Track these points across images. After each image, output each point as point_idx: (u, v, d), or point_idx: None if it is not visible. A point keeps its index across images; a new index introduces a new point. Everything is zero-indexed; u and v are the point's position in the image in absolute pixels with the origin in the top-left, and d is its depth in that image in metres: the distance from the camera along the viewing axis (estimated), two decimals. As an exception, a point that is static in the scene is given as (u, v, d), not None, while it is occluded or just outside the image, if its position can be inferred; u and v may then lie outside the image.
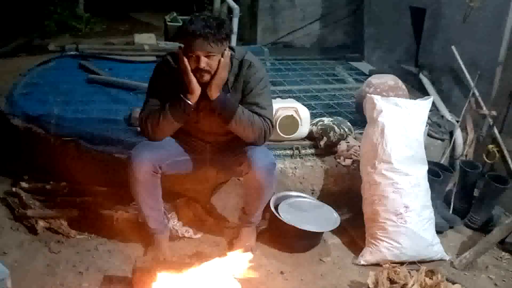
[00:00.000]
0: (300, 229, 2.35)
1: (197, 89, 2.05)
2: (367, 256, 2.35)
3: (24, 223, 2.48)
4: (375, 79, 3.12)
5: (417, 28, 4.34)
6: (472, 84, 3.20)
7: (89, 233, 2.47)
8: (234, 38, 4.48)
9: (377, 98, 2.40)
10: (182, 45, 2.05)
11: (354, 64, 5.24)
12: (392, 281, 1.98)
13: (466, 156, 3.20)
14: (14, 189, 2.66)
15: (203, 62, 1.98)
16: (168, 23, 6.02)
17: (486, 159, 3.04)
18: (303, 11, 5.63)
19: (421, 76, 3.98)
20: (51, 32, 5.92)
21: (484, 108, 3.15)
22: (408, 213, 2.31)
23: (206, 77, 2.03)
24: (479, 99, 3.19)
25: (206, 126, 2.24)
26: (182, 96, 2.06)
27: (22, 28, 5.54)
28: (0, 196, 2.68)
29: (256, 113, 2.12)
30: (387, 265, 2.10)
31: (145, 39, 5.37)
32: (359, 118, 3.12)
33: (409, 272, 2.05)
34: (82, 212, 2.53)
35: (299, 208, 2.50)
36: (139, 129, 2.73)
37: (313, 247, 2.47)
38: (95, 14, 6.64)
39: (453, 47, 3.44)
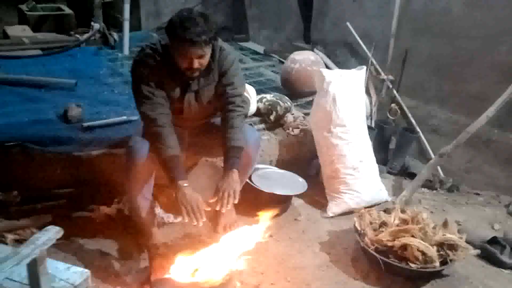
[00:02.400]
0: (278, 194, 2.60)
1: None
2: (334, 208, 2.72)
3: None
4: (297, 56, 3.47)
5: (304, 7, 4.83)
6: (369, 54, 3.77)
7: (67, 237, 2.35)
8: (126, 24, 4.41)
9: (325, 71, 2.75)
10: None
11: (243, 44, 5.53)
12: (371, 222, 2.37)
13: (371, 116, 3.77)
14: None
15: (196, 63, 2.01)
16: (28, 13, 5.57)
17: (389, 116, 3.63)
18: (184, -6, 5.67)
19: (316, 51, 4.45)
20: None
21: (382, 74, 3.74)
22: (362, 166, 2.73)
23: (197, 73, 2.09)
24: (377, 66, 3.78)
25: (188, 115, 2.31)
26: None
27: None
28: None
29: (227, 93, 2.21)
30: (362, 211, 2.47)
31: (19, 31, 4.89)
32: (285, 92, 3.44)
33: (378, 213, 2.46)
34: (55, 217, 2.38)
35: (269, 178, 2.73)
36: (82, 125, 2.70)
37: (286, 210, 2.74)
38: None
39: (348, 23, 3.96)
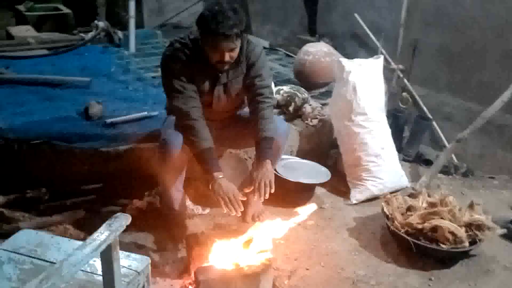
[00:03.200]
0: (304, 183, 2.65)
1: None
2: (357, 195, 2.78)
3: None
4: (310, 48, 3.52)
5: (309, 1, 4.88)
6: (379, 45, 3.82)
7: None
8: (132, 22, 4.44)
9: (344, 61, 2.79)
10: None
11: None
12: (398, 207, 2.42)
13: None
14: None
15: (228, 56, 2.04)
16: (27, 13, 5.58)
17: (401, 105, 3.69)
18: (186, -9, 5.70)
19: (323, 43, 4.49)
20: None
21: (393, 63, 3.80)
22: (384, 153, 2.79)
23: (227, 66, 2.12)
24: (387, 57, 3.83)
25: (217, 108, 2.34)
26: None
27: None
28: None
29: (256, 84, 2.24)
30: (388, 196, 2.52)
31: (24, 31, 4.89)
32: (298, 84, 3.49)
33: (404, 198, 2.51)
34: (88, 212, 2.41)
35: (293, 167, 2.78)
36: (106, 121, 2.75)
37: (310, 199, 2.79)
38: None
39: (356, 15, 4.02)
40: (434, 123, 3.56)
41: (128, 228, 2.34)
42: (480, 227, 2.25)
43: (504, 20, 3.16)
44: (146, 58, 4.31)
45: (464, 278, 2.20)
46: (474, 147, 3.40)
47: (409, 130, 3.55)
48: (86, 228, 2.35)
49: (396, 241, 2.37)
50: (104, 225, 1.19)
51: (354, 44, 4.23)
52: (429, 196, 2.42)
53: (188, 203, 2.57)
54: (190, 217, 2.52)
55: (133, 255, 1.49)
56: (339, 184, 2.91)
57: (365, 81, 2.78)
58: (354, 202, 2.77)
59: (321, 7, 4.59)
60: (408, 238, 2.21)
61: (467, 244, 2.19)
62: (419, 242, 2.21)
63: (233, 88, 2.27)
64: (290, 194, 2.70)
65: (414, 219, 2.27)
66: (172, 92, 2.15)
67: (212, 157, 2.11)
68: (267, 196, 2.12)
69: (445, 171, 3.28)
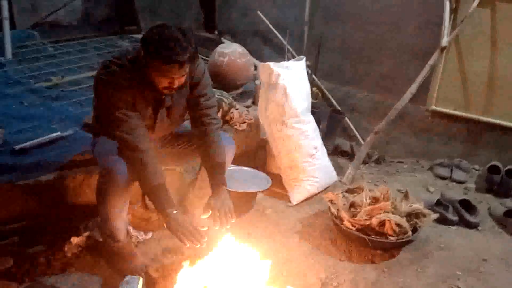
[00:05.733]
0: (247, 192, 2.61)
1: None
2: (297, 196, 2.83)
3: None
4: (225, 49, 3.44)
5: (204, -2, 4.77)
6: (285, 42, 3.90)
7: (33, 279, 2.07)
8: (7, 24, 3.92)
9: (272, 65, 2.77)
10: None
11: (137, 36, 5.28)
12: (344, 205, 2.52)
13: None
14: None
15: (177, 82, 1.88)
16: None
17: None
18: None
19: (225, 40, 4.44)
20: None
21: (299, 60, 3.90)
22: (317, 152, 2.87)
23: (174, 91, 1.96)
24: (294, 53, 3.93)
25: (159, 131, 2.17)
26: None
27: None
28: None
29: (202, 105, 2.12)
30: (331, 195, 2.60)
31: None
32: (214, 86, 3.40)
33: (343, 195, 2.62)
34: (15, 258, 2.07)
35: (232, 176, 2.70)
36: (14, 148, 2.42)
37: (253, 206, 2.76)
38: None
39: (259, 12, 4.03)
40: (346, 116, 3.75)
41: (66, 270, 2.11)
42: (418, 215, 2.44)
43: (398, 15, 3.43)
44: (30, 65, 3.82)
45: (410, 264, 2.38)
46: (382, 134, 3.66)
47: (325, 125, 3.69)
48: (14, 278, 2.02)
49: (345, 238, 2.46)
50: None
51: (258, 41, 4.24)
52: (370, 190, 2.54)
53: (130, 229, 2.35)
54: (135, 245, 2.31)
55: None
56: (273, 186, 2.92)
57: (294, 83, 2.81)
58: (294, 203, 2.81)
59: (220, 3, 4.51)
60: (365, 236, 2.31)
61: (410, 233, 2.37)
62: (372, 238, 2.32)
63: (177, 110, 2.13)
64: (234, 204, 2.63)
65: (361, 215, 2.39)
66: (113, 122, 1.92)
67: (165, 193, 1.95)
68: (228, 225, 2.04)
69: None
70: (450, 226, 2.71)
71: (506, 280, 2.29)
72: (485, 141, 3.34)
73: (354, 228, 2.36)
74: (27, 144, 2.48)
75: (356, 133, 3.75)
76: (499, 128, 3.24)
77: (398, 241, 2.34)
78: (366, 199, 2.47)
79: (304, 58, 3.00)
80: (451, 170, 3.29)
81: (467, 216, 2.72)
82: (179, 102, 2.10)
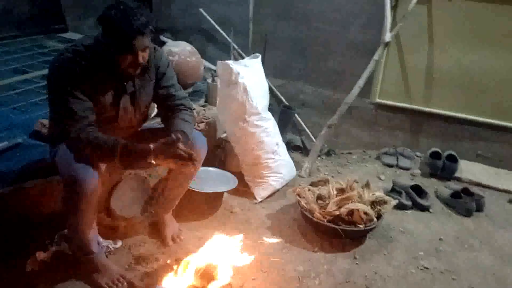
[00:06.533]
0: (215, 192, 2.59)
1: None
2: (262, 192, 2.85)
3: None
4: (174, 47, 3.36)
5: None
6: (230, 40, 3.90)
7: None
8: None
9: (231, 63, 2.77)
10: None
11: (65, 35, 5.01)
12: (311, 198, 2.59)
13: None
14: None
15: (141, 58, 1.85)
16: None
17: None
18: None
19: (164, 38, 4.34)
20: None
21: (245, 56, 3.92)
22: (279, 148, 2.92)
23: (139, 70, 1.93)
24: (239, 51, 3.94)
25: (123, 122, 2.09)
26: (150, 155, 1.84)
27: None
28: None
29: (174, 95, 2.12)
30: (298, 189, 2.66)
31: None
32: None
33: (309, 189, 2.69)
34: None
35: (199, 177, 2.65)
36: None
37: (220, 206, 2.74)
38: None
39: (201, 10, 3.99)
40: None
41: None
42: (380, 202, 2.57)
43: (344, 13, 3.57)
44: None
45: (378, 249, 2.50)
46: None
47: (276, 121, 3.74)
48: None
49: (315, 230, 2.53)
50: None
51: (201, 39, 4.20)
52: (336, 182, 2.63)
53: (100, 239, 2.24)
54: (106, 255, 2.21)
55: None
56: (239, 184, 2.92)
57: (254, 81, 2.83)
58: (260, 199, 2.84)
59: (156, 1, 4.39)
60: (336, 227, 2.39)
61: (375, 220, 2.49)
62: (344, 228, 2.41)
63: (142, 98, 2.08)
64: (201, 205, 2.61)
65: (331, 207, 2.47)
66: (66, 112, 1.82)
67: (132, 143, 1.86)
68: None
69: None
70: (405, 211, 2.89)
71: (463, 257, 2.49)
72: (425, 129, 3.59)
73: (325, 220, 2.43)
74: (-27, 155, 2.26)
75: (305, 128, 3.85)
76: (438, 117, 3.49)
77: (366, 228, 2.45)
78: (333, 191, 2.56)
79: (260, 56, 3.02)
80: (397, 158, 3.50)
81: (419, 200, 2.91)
82: (144, 90, 2.05)
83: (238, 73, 2.76)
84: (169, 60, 2.19)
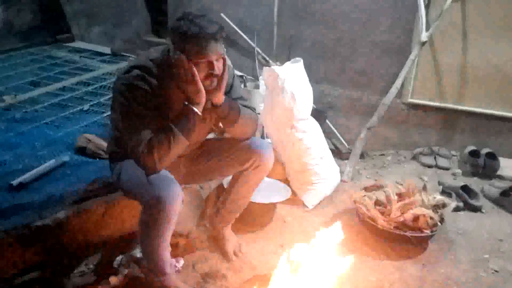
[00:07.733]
0: (269, 203, 2.50)
1: (204, 98, 1.81)
2: (312, 200, 2.77)
3: None
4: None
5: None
6: (253, 44, 3.81)
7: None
8: None
9: (277, 69, 2.68)
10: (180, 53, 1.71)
11: (73, 45, 4.86)
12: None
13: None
14: None
15: (217, 68, 1.75)
16: None
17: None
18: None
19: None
20: None
21: (271, 61, 3.84)
22: (325, 153, 2.84)
23: (214, 82, 1.82)
24: (264, 55, 3.85)
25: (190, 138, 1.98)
26: (190, 106, 1.77)
27: None
28: None
29: (244, 106, 2.07)
30: (355, 194, 2.58)
31: None
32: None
33: (365, 194, 2.62)
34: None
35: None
36: (11, 183, 2.07)
37: (273, 216, 2.65)
38: None
39: (222, 14, 3.89)
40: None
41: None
42: (439, 206, 2.52)
43: (369, 12, 3.51)
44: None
45: (442, 254, 2.44)
46: (355, 129, 3.71)
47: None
48: None
49: (377, 237, 2.45)
50: None
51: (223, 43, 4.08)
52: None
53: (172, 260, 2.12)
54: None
55: None
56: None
57: (299, 86, 2.75)
58: (311, 207, 2.76)
59: (172, 5, 4.26)
60: (406, 234, 2.32)
61: (440, 224, 2.44)
62: (413, 234, 2.34)
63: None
64: (255, 216, 2.52)
65: (395, 213, 2.40)
66: (132, 135, 1.73)
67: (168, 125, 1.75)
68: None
69: (347, 157, 3.53)
70: (458, 212, 2.84)
71: (527, 256, 2.45)
72: (459, 127, 3.56)
73: (391, 227, 2.36)
74: (26, 176, 2.12)
75: (335, 130, 3.78)
76: (472, 115, 3.47)
77: (432, 233, 2.39)
78: (394, 196, 2.49)
79: (301, 60, 2.93)
80: (435, 158, 3.45)
81: (470, 200, 2.87)
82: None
83: (285, 79, 2.68)
84: (234, 71, 2.09)
